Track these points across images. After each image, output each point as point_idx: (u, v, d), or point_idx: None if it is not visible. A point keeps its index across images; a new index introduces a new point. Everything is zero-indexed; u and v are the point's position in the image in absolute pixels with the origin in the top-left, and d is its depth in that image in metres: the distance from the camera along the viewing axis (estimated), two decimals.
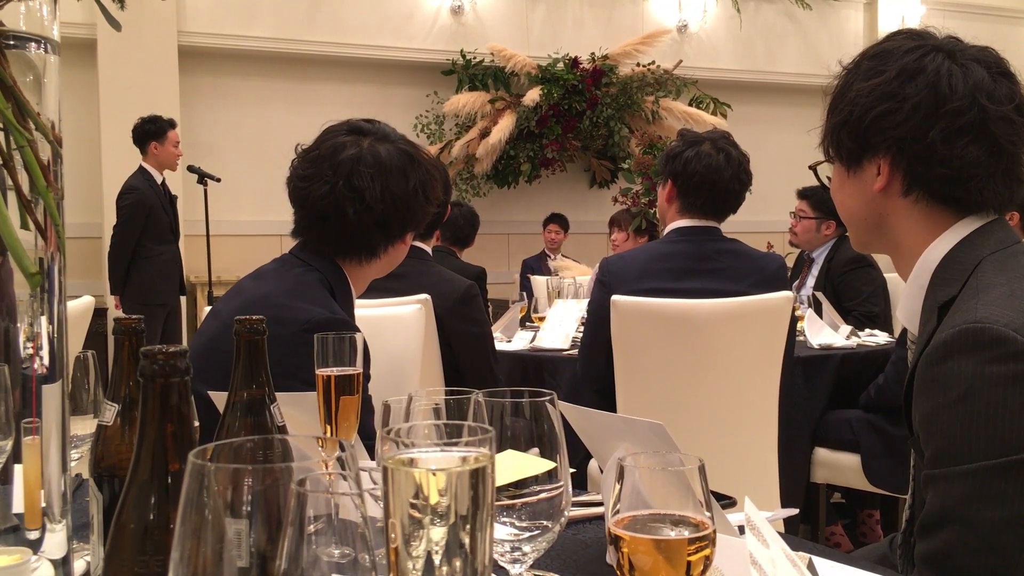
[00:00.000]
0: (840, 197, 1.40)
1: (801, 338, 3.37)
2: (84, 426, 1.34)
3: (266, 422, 0.91)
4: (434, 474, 0.50)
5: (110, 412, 0.97)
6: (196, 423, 1.26)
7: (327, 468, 0.58)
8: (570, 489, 0.85)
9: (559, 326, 3.45)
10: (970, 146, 1.22)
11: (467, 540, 0.50)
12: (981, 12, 9.26)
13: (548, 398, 0.83)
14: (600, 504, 1.28)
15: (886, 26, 8.79)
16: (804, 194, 4.39)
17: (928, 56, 1.25)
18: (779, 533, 1.19)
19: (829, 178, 1.44)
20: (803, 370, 3.16)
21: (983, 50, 1.28)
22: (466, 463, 0.51)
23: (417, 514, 0.50)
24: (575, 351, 3.06)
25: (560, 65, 7.67)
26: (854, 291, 4.10)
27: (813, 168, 1.55)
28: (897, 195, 1.29)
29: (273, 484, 0.47)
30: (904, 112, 1.24)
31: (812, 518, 3.42)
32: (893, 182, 1.28)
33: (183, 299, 5.93)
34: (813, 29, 8.85)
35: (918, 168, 1.25)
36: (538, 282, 5.02)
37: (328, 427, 1.18)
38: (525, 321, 4.01)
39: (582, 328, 2.96)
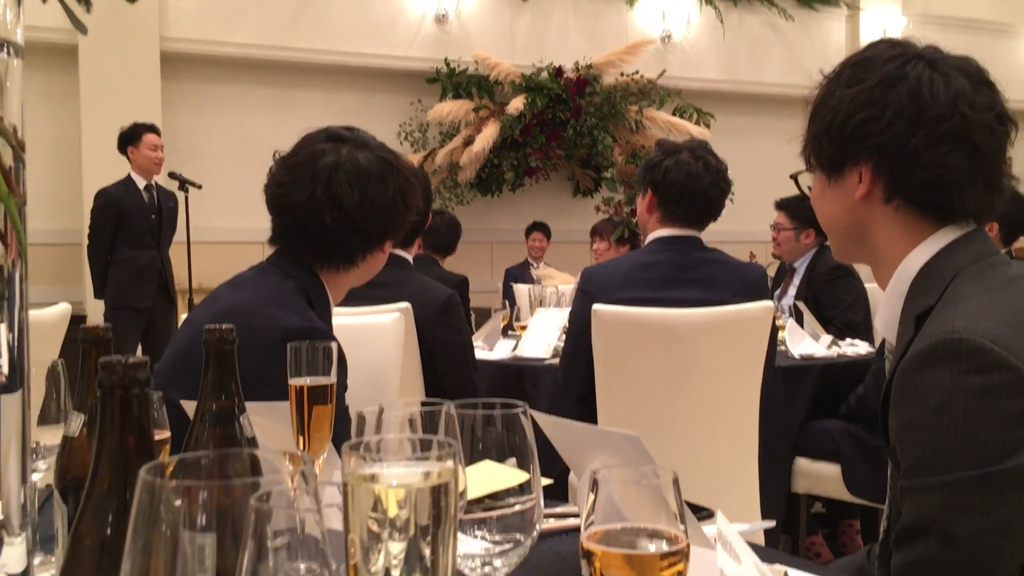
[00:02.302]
0: (821, 205, 1.40)
1: (782, 348, 3.37)
2: (55, 436, 1.31)
3: (235, 433, 0.90)
4: (394, 489, 0.49)
5: (76, 423, 0.95)
6: (168, 433, 1.24)
7: (291, 482, 0.56)
8: (542, 502, 0.84)
9: (541, 335, 3.44)
10: (952, 153, 1.22)
11: (428, 554, 0.49)
12: (962, 24, 9.33)
13: (520, 409, 0.82)
14: (577, 516, 1.27)
15: (868, 37, 8.85)
16: (781, 205, 4.40)
17: (909, 64, 1.25)
18: (755, 545, 1.18)
19: (810, 188, 1.44)
20: (784, 380, 3.16)
21: (964, 59, 1.29)
22: (428, 478, 0.50)
23: (376, 529, 0.49)
24: (557, 360, 3.05)
25: (544, 74, 7.68)
26: (835, 300, 4.11)
27: (794, 177, 1.55)
28: (878, 202, 1.29)
29: (228, 500, 0.46)
30: (886, 119, 1.23)
31: (793, 528, 3.42)
32: (875, 189, 1.28)
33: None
34: (796, 40, 8.90)
35: (900, 175, 1.25)
36: (520, 291, 5.01)
37: (300, 438, 1.16)
38: (507, 330, 4.00)
39: (564, 337, 2.95)
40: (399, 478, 0.50)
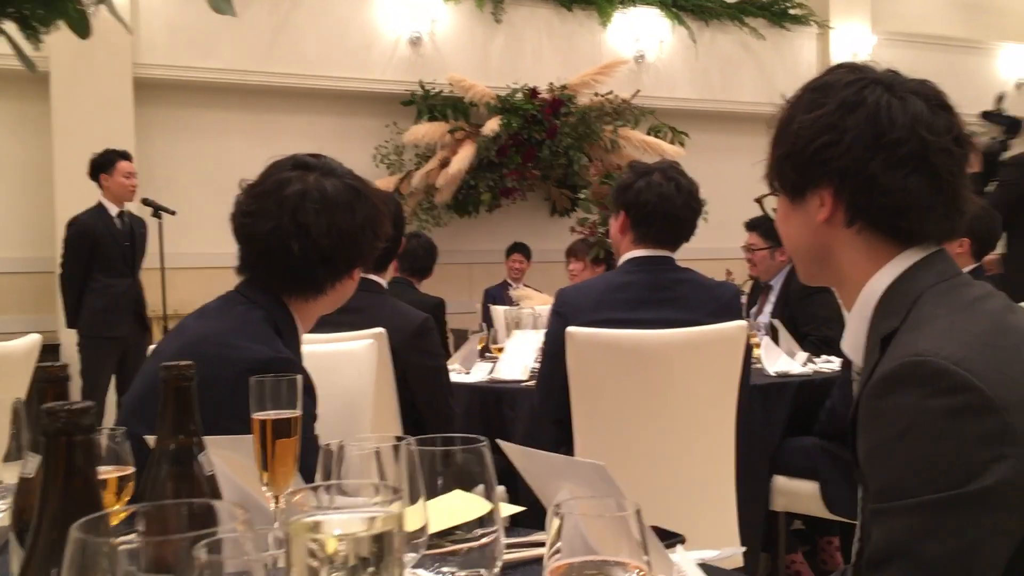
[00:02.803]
0: (785, 229, 1.41)
1: (758, 366, 3.38)
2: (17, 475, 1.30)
3: (194, 472, 0.89)
4: (336, 538, 0.48)
5: (32, 463, 0.94)
6: (131, 468, 1.22)
7: (240, 529, 0.55)
8: (503, 535, 0.83)
9: (517, 357, 3.43)
10: (910, 176, 1.23)
11: None
12: (931, 41, 9.45)
13: (481, 444, 0.82)
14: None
15: (838, 55, 8.95)
16: (752, 226, 4.43)
17: (867, 89, 1.26)
18: (726, 572, 1.18)
19: (775, 210, 1.45)
20: (760, 398, 3.17)
21: (922, 83, 1.30)
22: (372, 526, 0.49)
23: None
24: (534, 382, 3.05)
25: (519, 95, 7.70)
26: (810, 316, 4.13)
27: (759, 201, 1.56)
28: (840, 226, 1.29)
29: (162, 556, 0.45)
30: (845, 143, 1.24)
31: (772, 547, 3.42)
32: (836, 213, 1.29)
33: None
34: (768, 58, 8.98)
35: (860, 199, 1.26)
36: (497, 312, 5.00)
37: (265, 473, 1.14)
38: (484, 352, 3.98)
39: (540, 359, 2.94)
40: (341, 525, 0.50)
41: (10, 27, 0.81)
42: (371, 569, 0.48)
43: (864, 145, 1.23)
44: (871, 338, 1.25)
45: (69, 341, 5.78)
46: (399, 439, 0.90)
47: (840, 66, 1.34)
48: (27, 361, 2.82)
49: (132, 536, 0.50)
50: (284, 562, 0.48)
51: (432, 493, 0.82)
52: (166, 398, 0.89)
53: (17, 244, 6.68)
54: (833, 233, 1.30)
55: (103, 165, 5.56)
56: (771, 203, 1.47)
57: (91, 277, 5.47)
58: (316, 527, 0.50)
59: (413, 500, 0.82)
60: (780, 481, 3.25)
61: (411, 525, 0.83)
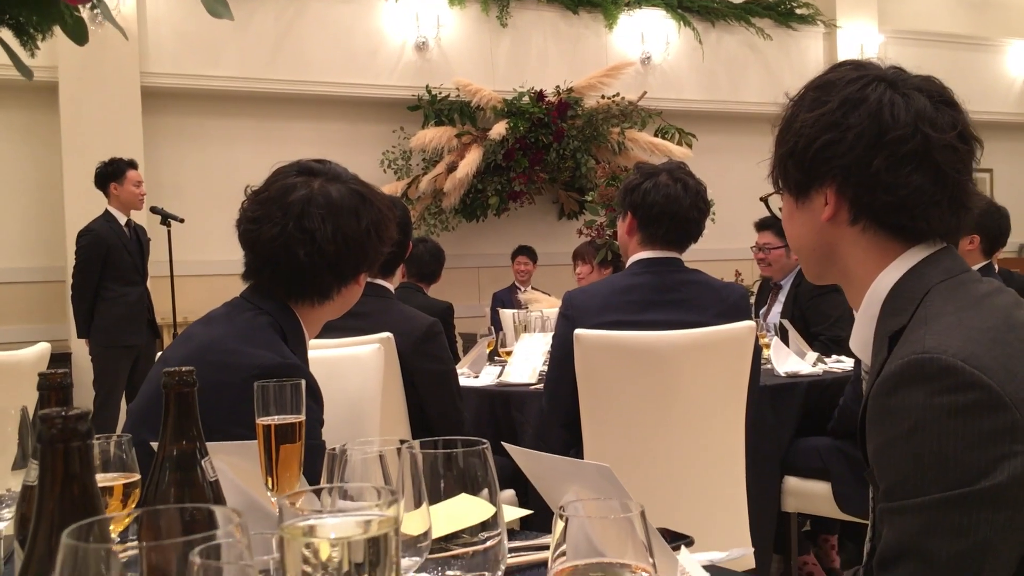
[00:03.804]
0: (790, 228, 1.40)
1: (768, 366, 3.37)
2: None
3: (197, 477, 0.89)
4: (330, 542, 0.48)
5: (35, 471, 0.93)
6: (137, 475, 1.22)
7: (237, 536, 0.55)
8: (506, 538, 0.82)
9: (526, 360, 3.42)
10: (914, 174, 1.22)
11: None
12: (938, 38, 9.42)
13: (482, 447, 0.81)
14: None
15: (845, 54, 8.92)
16: (764, 225, 4.40)
17: (870, 86, 1.25)
18: (735, 574, 1.17)
19: (781, 209, 1.44)
20: (770, 399, 3.15)
21: (926, 79, 1.29)
22: (367, 529, 0.48)
23: None
24: (542, 385, 3.04)
25: (526, 99, 7.71)
26: (822, 316, 4.11)
27: (764, 200, 1.55)
28: (845, 224, 1.29)
29: (158, 561, 0.45)
30: (848, 142, 1.23)
31: (784, 548, 3.40)
32: (840, 211, 1.28)
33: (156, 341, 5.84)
34: (774, 58, 8.96)
35: (863, 196, 1.25)
36: (505, 315, 4.99)
37: (269, 478, 1.14)
38: (493, 355, 3.98)
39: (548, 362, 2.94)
40: (336, 529, 0.49)
41: (6, 34, 0.81)
42: (366, 574, 0.47)
43: (867, 143, 1.22)
44: (878, 336, 1.24)
45: (80, 350, 5.79)
46: (402, 442, 0.90)
47: (843, 64, 1.33)
48: (36, 370, 2.83)
49: (126, 542, 0.50)
50: (280, 566, 0.47)
51: (435, 496, 0.82)
52: (168, 404, 0.89)
53: (27, 254, 6.71)
54: (838, 232, 1.29)
55: (113, 174, 5.57)
56: (776, 202, 1.46)
57: (103, 287, 5.48)
58: (311, 531, 0.49)
59: (417, 504, 0.81)
60: (791, 482, 3.23)
61: (415, 529, 0.82)
